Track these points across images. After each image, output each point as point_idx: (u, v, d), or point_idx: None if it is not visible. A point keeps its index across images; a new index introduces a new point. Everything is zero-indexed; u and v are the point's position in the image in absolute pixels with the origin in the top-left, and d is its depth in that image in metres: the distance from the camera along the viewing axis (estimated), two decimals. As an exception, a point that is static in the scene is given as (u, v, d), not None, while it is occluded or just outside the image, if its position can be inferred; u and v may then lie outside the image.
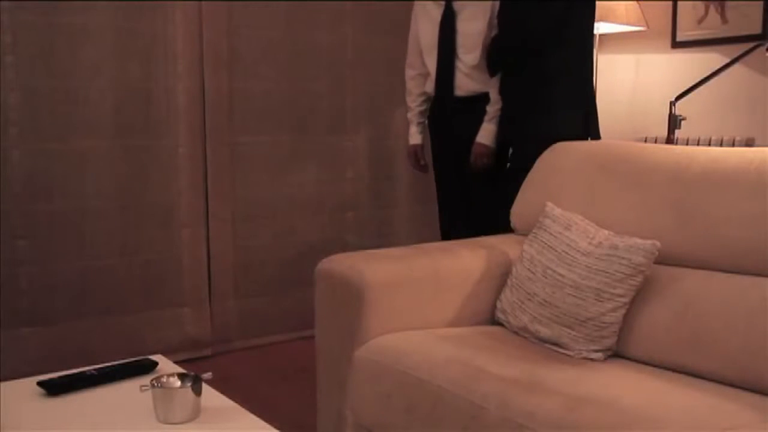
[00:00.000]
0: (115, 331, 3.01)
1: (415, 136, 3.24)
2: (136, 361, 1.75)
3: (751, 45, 2.98)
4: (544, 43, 2.72)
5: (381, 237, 3.72)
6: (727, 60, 3.03)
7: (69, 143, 2.87)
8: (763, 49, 3.01)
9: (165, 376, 1.50)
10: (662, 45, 3.97)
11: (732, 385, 1.62)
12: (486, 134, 2.96)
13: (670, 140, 2.84)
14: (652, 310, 1.81)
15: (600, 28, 3.97)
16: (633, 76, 4.15)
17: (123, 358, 1.81)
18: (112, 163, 2.97)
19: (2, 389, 1.62)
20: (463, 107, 3.01)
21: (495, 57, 2.89)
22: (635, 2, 3.88)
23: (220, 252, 3.27)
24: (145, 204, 3.06)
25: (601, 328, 1.78)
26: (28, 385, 1.63)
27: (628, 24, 3.85)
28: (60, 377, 1.64)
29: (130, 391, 1.60)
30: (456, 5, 2.95)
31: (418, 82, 3.17)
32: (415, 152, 3.25)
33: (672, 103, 2.82)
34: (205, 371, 1.54)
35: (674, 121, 2.81)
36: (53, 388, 1.59)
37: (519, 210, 2.35)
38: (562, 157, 2.28)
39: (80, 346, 2.90)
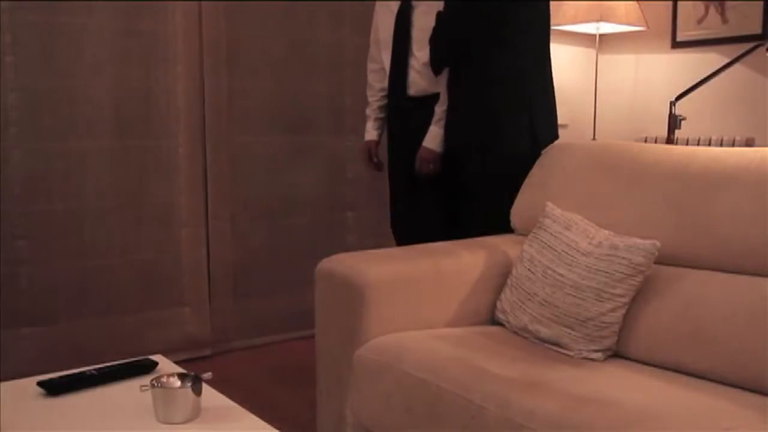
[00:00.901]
0: (115, 331, 3.01)
1: (370, 132, 3.07)
2: (136, 361, 1.75)
3: (751, 45, 2.98)
4: (481, 39, 2.51)
5: (381, 237, 3.72)
6: (727, 60, 3.03)
7: (69, 143, 2.87)
8: (763, 49, 3.01)
9: (165, 376, 1.50)
10: (662, 45, 3.97)
11: (732, 384, 1.62)
12: (432, 138, 2.72)
13: (670, 140, 2.84)
14: (652, 310, 1.81)
15: (600, 28, 3.97)
16: (633, 76, 4.15)
17: (123, 358, 1.81)
18: (112, 163, 2.97)
19: (2, 389, 1.62)
20: (416, 107, 2.82)
21: (434, 51, 2.66)
22: (635, 2, 3.88)
23: (220, 252, 3.27)
24: (145, 204, 3.06)
25: (601, 328, 1.78)
26: (28, 385, 1.63)
27: (628, 24, 3.86)
28: (60, 377, 1.64)
29: (130, 391, 1.60)
30: None
31: (380, 76, 3.01)
32: (368, 149, 3.07)
33: (672, 103, 2.82)
34: (205, 371, 1.53)
35: (674, 121, 2.81)
36: (53, 388, 1.59)
37: (519, 210, 2.35)
38: (562, 157, 2.28)
39: (80, 346, 2.91)
